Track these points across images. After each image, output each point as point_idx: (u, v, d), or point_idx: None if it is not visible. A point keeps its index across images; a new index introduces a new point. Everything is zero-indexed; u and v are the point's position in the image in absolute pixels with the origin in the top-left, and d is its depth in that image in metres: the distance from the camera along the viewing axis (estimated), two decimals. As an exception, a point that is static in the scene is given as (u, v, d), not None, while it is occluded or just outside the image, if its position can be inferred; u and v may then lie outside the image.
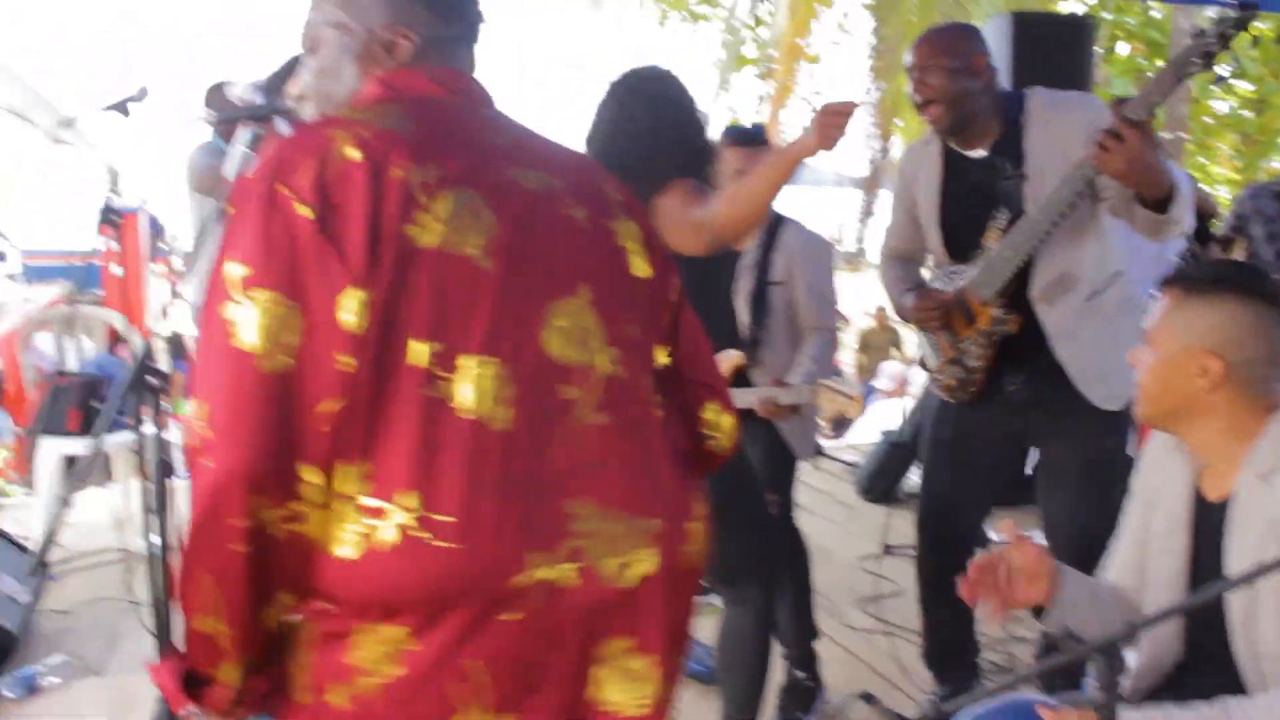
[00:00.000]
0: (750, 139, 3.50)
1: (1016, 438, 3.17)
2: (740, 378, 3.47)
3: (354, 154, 1.34)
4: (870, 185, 13.04)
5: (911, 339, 14.85)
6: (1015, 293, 2.86)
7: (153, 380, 2.04)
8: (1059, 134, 2.78)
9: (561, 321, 1.42)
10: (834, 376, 3.48)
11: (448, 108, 1.51)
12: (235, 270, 1.28)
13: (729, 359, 3.47)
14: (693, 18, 13.96)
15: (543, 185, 1.49)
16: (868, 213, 13.02)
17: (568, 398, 1.40)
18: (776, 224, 3.58)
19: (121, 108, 3.16)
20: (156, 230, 16.03)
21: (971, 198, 2.92)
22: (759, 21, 13.29)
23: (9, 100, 16.12)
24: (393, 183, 1.33)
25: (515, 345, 1.38)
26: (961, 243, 2.97)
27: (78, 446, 4.70)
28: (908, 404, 6.98)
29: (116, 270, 15.17)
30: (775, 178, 2.49)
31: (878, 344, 13.84)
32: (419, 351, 1.32)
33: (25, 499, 7.52)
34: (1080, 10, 11.29)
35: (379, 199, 1.32)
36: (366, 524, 1.28)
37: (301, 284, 1.28)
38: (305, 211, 1.29)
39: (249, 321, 1.25)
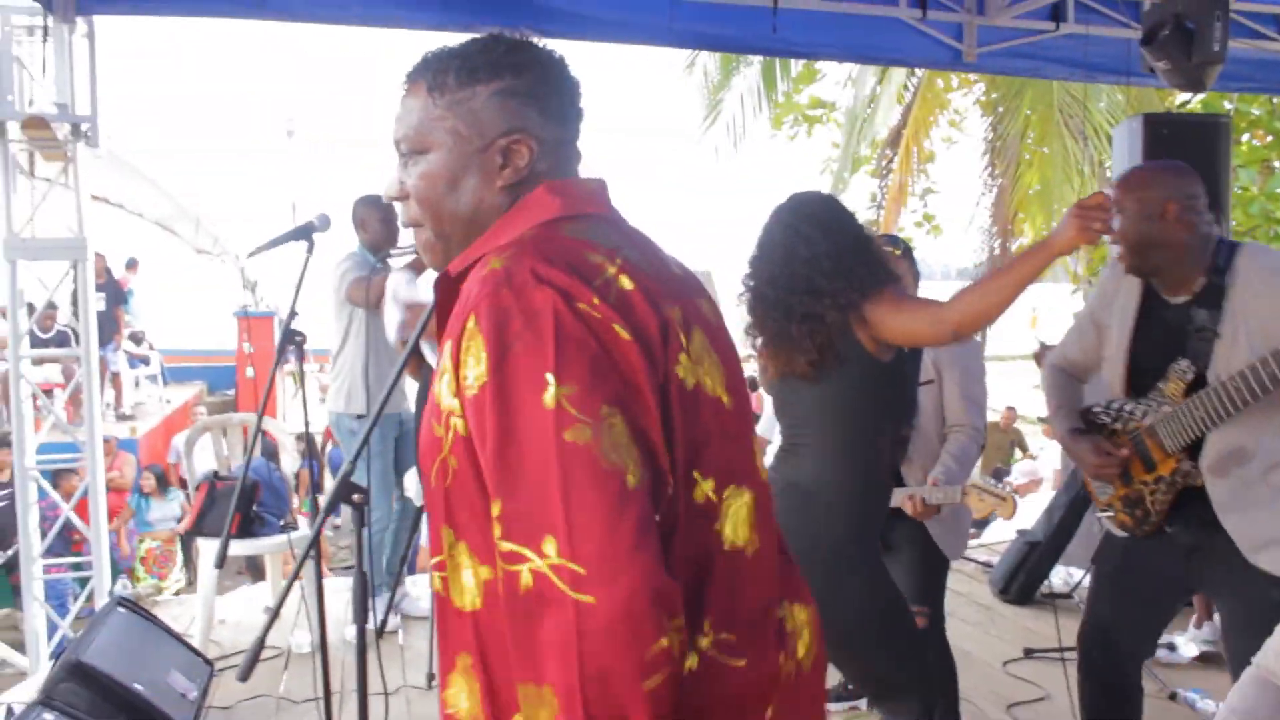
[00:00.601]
0: (897, 250, 3.60)
1: (1180, 579, 3.08)
2: (893, 477, 3.54)
3: (628, 283, 1.35)
4: (987, 280, 12.96)
5: (1035, 436, 14.63)
6: (1197, 448, 2.83)
7: (357, 493, 2.15)
8: (1265, 304, 2.72)
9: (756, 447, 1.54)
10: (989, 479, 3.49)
11: (626, 229, 1.51)
12: (565, 391, 1.24)
13: None
14: (806, 120, 14.17)
15: (713, 314, 1.53)
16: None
17: (770, 512, 1.52)
18: None
19: (306, 235, 3.30)
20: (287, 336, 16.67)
21: (1162, 341, 2.89)
22: (870, 120, 13.40)
23: (157, 213, 17.04)
24: (670, 320, 1.36)
25: (754, 474, 1.47)
26: (1138, 381, 2.96)
27: (236, 548, 4.88)
28: (1042, 501, 6.90)
29: (249, 372, 15.81)
30: (1028, 273, 2.55)
31: (998, 443, 13.67)
32: (703, 486, 1.37)
33: (181, 596, 7.80)
34: (1200, 103, 11.18)
35: (665, 334, 1.35)
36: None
37: (634, 404, 1.28)
38: (626, 334, 1.30)
39: (606, 438, 1.23)
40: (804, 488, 2.79)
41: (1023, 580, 5.86)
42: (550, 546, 1.19)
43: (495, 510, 1.26)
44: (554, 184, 1.48)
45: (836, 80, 13.81)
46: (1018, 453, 13.68)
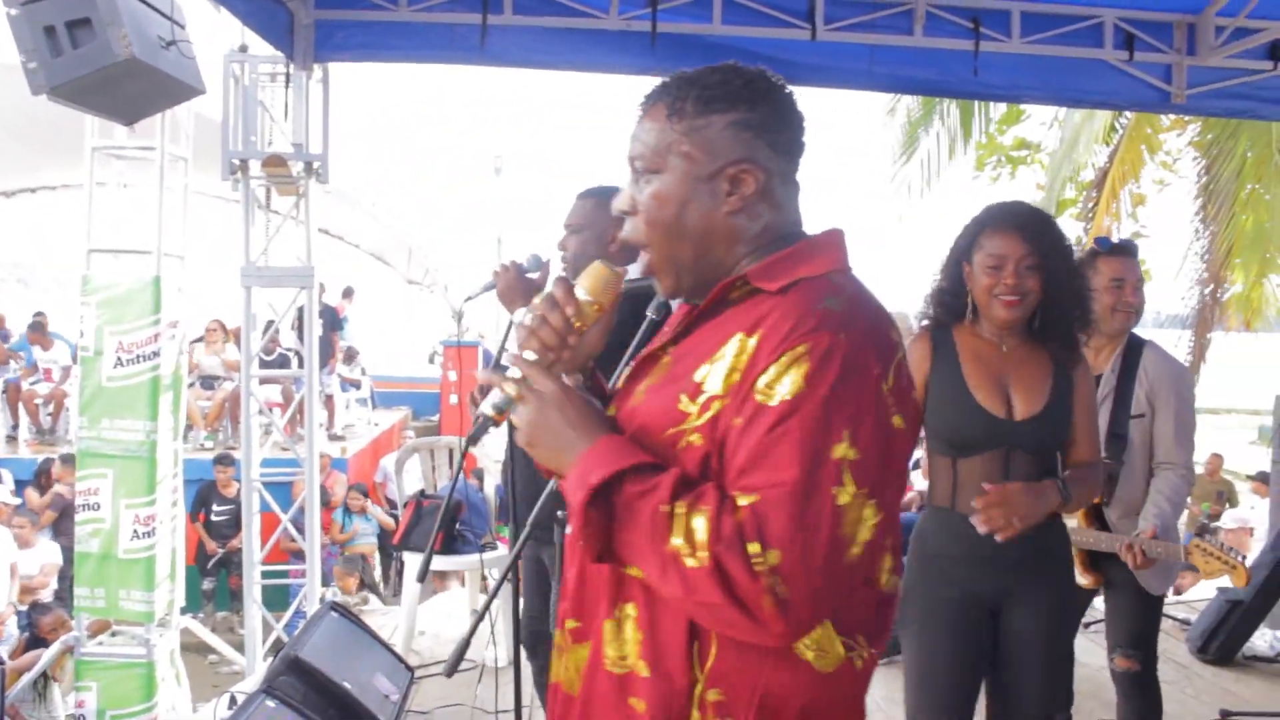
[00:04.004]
0: (1127, 249, 3.58)
1: None
2: (1096, 515, 3.45)
3: (904, 369, 1.52)
4: (1201, 328, 12.45)
5: (1245, 493, 13.93)
6: None
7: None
8: None
9: None
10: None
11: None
12: (850, 453, 1.41)
13: None
14: (1010, 163, 13.89)
15: None
16: (1199, 356, 12.37)
17: None
18: (1136, 346, 3.53)
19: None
20: (489, 363, 17.30)
21: None
22: (1078, 165, 13.04)
23: (372, 244, 17.94)
24: (919, 402, 1.59)
25: None
26: None
27: (440, 563, 5.16)
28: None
29: (453, 399, 16.45)
30: None
31: (1205, 492, 13.09)
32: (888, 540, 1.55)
33: (381, 606, 8.21)
34: None
35: (918, 417, 1.58)
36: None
37: (881, 487, 1.45)
38: (899, 424, 1.47)
39: (854, 513, 1.41)
40: None
41: (1223, 640, 5.65)
42: (774, 558, 1.38)
43: (741, 499, 1.41)
44: (835, 233, 1.63)
45: (1042, 120, 13.48)
46: (1227, 505, 13.05)
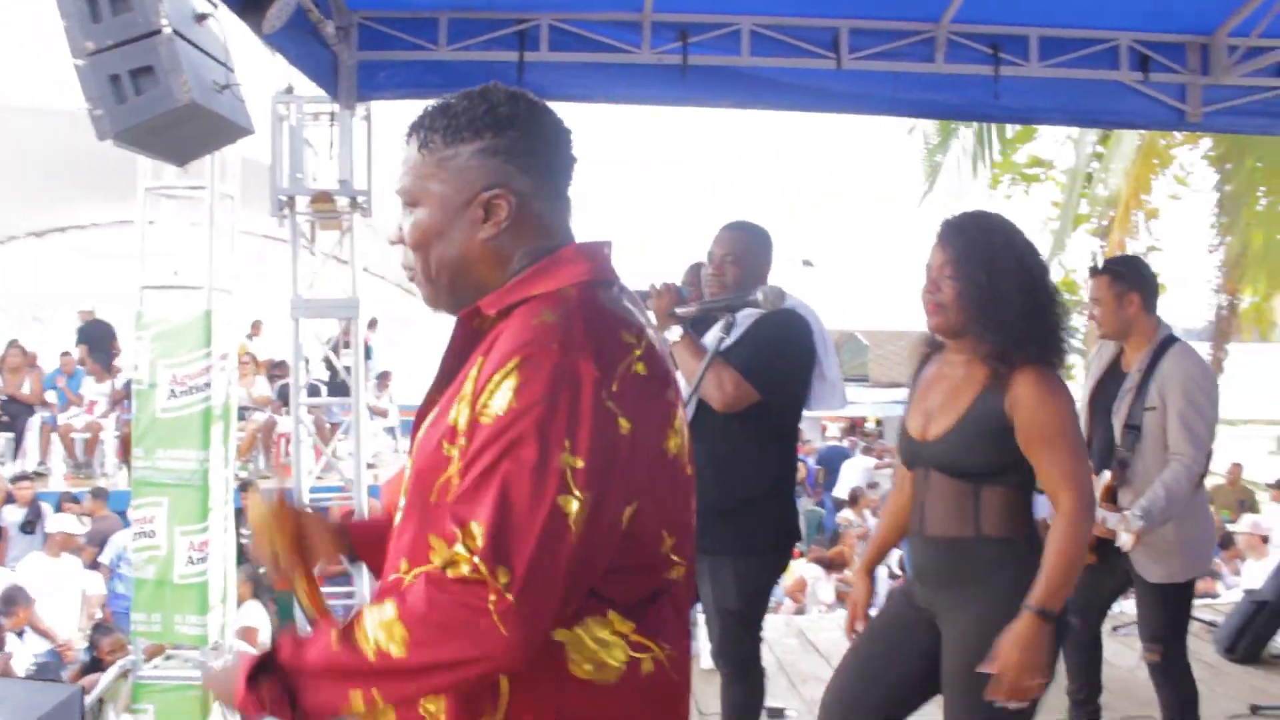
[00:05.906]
0: (1097, 272, 4.01)
1: None
2: (1113, 499, 3.76)
3: (643, 369, 1.53)
4: (1217, 339, 12.58)
5: (1266, 501, 14.02)
6: None
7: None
8: None
9: None
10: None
11: (632, 294, 1.68)
12: (573, 461, 1.41)
13: (1103, 480, 3.78)
14: (1024, 179, 13.98)
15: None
16: (1216, 368, 12.48)
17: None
18: (1165, 345, 3.78)
19: None
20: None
21: None
22: (1090, 178, 13.17)
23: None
24: (671, 404, 1.59)
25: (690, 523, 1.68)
26: None
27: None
28: (1271, 562, 6.78)
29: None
30: None
31: (1225, 501, 13.20)
32: (667, 541, 1.59)
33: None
34: None
35: (666, 420, 1.57)
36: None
37: (606, 490, 1.45)
38: (625, 427, 1.47)
39: (581, 514, 1.41)
40: None
41: (1249, 640, 5.80)
42: (503, 578, 1.39)
43: (475, 527, 1.40)
44: (583, 247, 1.64)
45: (1056, 139, 13.61)
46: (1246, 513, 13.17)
